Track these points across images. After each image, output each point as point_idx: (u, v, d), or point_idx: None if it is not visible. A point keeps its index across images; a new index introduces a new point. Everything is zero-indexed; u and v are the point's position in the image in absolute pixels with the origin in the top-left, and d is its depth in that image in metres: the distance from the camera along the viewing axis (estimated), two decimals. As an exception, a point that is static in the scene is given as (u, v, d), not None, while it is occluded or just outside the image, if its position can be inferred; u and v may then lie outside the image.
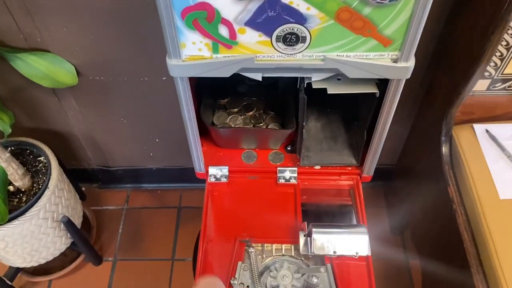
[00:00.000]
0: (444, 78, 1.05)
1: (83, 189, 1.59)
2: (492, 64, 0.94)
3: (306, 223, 0.70)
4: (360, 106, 0.75)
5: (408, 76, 0.59)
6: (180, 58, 0.58)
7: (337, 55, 0.56)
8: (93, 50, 1.09)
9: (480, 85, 0.99)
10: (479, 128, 1.06)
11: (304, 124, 0.71)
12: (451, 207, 1.00)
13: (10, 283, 1.30)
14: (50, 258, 1.28)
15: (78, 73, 1.13)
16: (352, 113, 0.81)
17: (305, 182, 0.80)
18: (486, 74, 0.98)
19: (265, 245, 0.73)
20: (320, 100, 0.71)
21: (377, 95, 0.65)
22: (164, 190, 1.61)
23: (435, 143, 1.09)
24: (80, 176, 1.55)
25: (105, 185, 1.61)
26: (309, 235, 0.68)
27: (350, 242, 0.65)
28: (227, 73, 0.58)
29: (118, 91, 1.20)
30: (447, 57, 1.03)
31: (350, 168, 0.81)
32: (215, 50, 0.57)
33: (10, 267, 1.29)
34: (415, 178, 1.25)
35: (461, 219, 0.98)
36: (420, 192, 1.21)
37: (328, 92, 0.63)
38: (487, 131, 1.05)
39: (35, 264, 1.27)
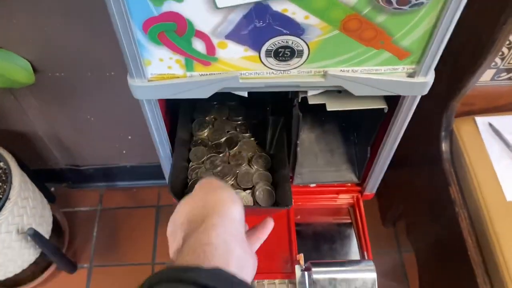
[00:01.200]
0: (445, 69, 0.96)
1: (52, 189, 1.47)
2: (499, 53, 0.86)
3: (302, 255, 0.61)
4: (363, 120, 0.64)
5: (426, 92, 0.49)
6: (145, 78, 0.47)
7: (341, 70, 0.45)
8: (50, 44, 0.96)
9: (484, 76, 0.91)
10: (481, 121, 0.98)
11: (297, 142, 0.60)
12: (453, 209, 0.93)
13: (-25, 299, 1.20)
14: (19, 271, 1.18)
15: (34, 69, 1.01)
16: (350, 123, 0.71)
17: (298, 202, 0.70)
18: (492, 64, 0.90)
19: (255, 281, 0.64)
20: (313, 107, 0.60)
21: (386, 111, 0.55)
22: (140, 188, 1.49)
23: (435, 137, 1.01)
24: (47, 177, 1.43)
25: (76, 185, 1.49)
26: (306, 270, 0.59)
27: (357, 284, 0.56)
28: (205, 94, 0.47)
29: (83, 87, 1.08)
30: (449, 46, 0.93)
31: (349, 185, 0.71)
32: (189, 67, 0.45)
33: (-26, 282, 1.18)
34: (410, 170, 1.17)
35: (464, 223, 0.91)
36: (415, 184, 1.14)
37: (328, 109, 0.52)
38: (490, 124, 0.97)
39: (2, 278, 1.16)
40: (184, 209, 0.42)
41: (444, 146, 0.99)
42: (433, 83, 1.01)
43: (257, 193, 0.66)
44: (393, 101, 0.54)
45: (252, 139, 0.75)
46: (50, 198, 1.39)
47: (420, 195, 1.13)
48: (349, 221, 0.72)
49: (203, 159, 0.74)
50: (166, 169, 0.65)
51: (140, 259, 1.36)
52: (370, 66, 0.45)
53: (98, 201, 1.47)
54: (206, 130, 0.78)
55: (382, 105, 0.54)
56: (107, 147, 1.32)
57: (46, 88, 1.08)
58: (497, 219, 0.86)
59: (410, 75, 0.47)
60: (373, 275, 0.56)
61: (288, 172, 0.59)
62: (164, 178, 1.46)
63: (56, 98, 1.12)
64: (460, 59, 0.88)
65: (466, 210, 0.92)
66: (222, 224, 0.38)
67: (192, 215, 0.41)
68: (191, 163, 0.76)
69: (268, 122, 0.66)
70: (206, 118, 0.80)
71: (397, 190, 1.28)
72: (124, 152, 1.35)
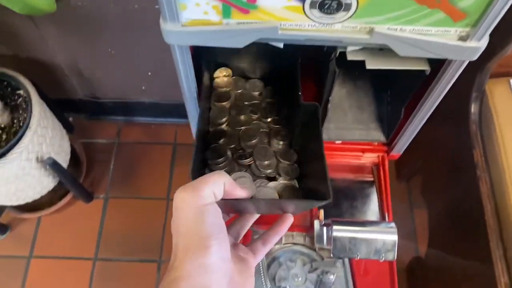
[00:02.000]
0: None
1: (71, 119, 1.48)
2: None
3: (322, 211, 0.61)
4: (400, 79, 0.61)
5: (476, 57, 0.46)
6: (179, 22, 0.44)
7: (388, 28, 0.41)
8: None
9: (527, 36, 0.86)
10: (517, 84, 0.94)
11: (329, 98, 0.58)
12: (474, 172, 0.91)
13: (-4, 219, 1.25)
14: (38, 196, 1.21)
15: (56, -3, 0.96)
16: (385, 81, 0.67)
17: (322, 158, 0.69)
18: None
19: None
20: (349, 62, 0.56)
21: (427, 73, 0.52)
22: (158, 125, 1.49)
23: (464, 98, 0.97)
24: (66, 106, 1.43)
25: (94, 117, 1.49)
26: (326, 226, 0.59)
27: (377, 245, 0.56)
28: (240, 43, 0.44)
29: (105, 19, 1.05)
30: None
31: (376, 144, 0.69)
32: (226, 14, 0.42)
33: (-4, 204, 1.22)
34: (434, 128, 1.14)
35: (485, 187, 0.90)
36: (437, 144, 1.12)
37: (367, 67, 0.49)
38: (526, 88, 0.93)
39: (22, 203, 1.20)
40: (173, 225, 0.38)
41: (473, 107, 0.95)
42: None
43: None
44: (436, 63, 0.50)
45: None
46: (69, 128, 1.40)
47: (441, 153, 1.11)
48: (372, 179, 0.71)
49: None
50: (191, 111, 0.63)
51: (155, 194, 1.39)
52: (420, 26, 0.42)
53: (116, 134, 1.48)
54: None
55: (425, 67, 0.51)
56: (126, 81, 1.30)
57: (67, 17, 1.05)
58: (519, 187, 0.84)
59: (462, 39, 0.43)
60: (394, 238, 0.56)
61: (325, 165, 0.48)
62: (182, 117, 1.46)
63: (77, 28, 1.09)
64: (504, 17, 0.83)
65: (488, 174, 0.91)
66: (188, 276, 0.35)
67: (175, 240, 0.38)
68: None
69: (298, 110, 0.55)
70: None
71: (418, 146, 1.26)
72: (143, 88, 1.33)
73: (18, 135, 1.03)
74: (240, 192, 0.42)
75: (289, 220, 0.47)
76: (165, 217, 1.36)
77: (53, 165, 1.12)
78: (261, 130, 0.63)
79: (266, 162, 0.58)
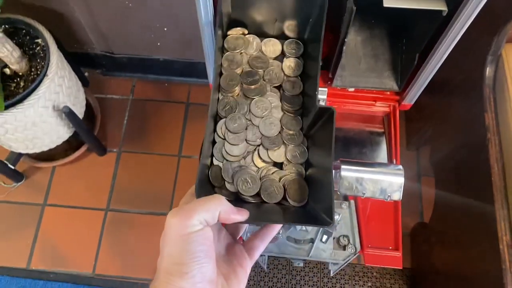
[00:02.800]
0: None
1: (86, 74, 1.50)
2: None
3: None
4: (418, 23, 0.61)
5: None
6: None
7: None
8: None
9: (548, -1, 0.85)
10: (534, 49, 0.93)
11: (345, 40, 0.58)
12: (485, 135, 0.92)
13: (13, 167, 1.28)
14: (53, 146, 1.24)
15: None
16: (401, 28, 0.67)
17: (334, 106, 0.70)
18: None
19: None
20: (363, 8, 0.56)
21: (444, 14, 0.52)
22: (172, 83, 1.51)
23: (479, 60, 0.97)
24: (82, 61, 1.45)
25: (109, 72, 1.51)
26: (335, 168, 0.61)
27: (383, 185, 0.57)
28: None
29: (123, -31, 1.05)
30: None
31: (388, 93, 0.70)
32: None
33: (12, 151, 1.25)
34: (447, 96, 1.14)
35: (494, 149, 0.90)
36: (450, 111, 1.12)
37: (385, 5, 0.50)
38: (542, 53, 0.92)
39: (38, 151, 1.23)
40: (162, 244, 0.39)
41: (488, 71, 0.95)
42: (488, 2, 0.96)
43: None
44: (453, 4, 0.51)
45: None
46: (84, 82, 1.42)
47: (453, 119, 1.12)
48: (382, 130, 0.72)
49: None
50: (210, 63, 0.64)
51: (167, 150, 1.41)
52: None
53: (130, 90, 1.50)
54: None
55: (443, 7, 0.51)
56: (142, 36, 1.31)
57: (86, -34, 1.05)
58: (528, 149, 0.85)
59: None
60: (401, 179, 0.58)
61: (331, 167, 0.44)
62: (196, 76, 1.47)
63: (96, -22, 1.10)
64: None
65: (498, 137, 0.91)
66: None
67: (159, 259, 0.39)
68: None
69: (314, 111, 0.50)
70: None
71: (430, 114, 1.26)
72: (158, 44, 1.34)
73: (36, 82, 1.06)
74: (237, 217, 0.41)
75: (277, 228, 0.47)
76: (176, 173, 1.39)
77: (69, 114, 1.14)
78: (273, 105, 0.55)
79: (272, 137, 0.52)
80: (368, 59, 0.68)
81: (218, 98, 0.55)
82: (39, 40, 1.13)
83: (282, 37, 0.59)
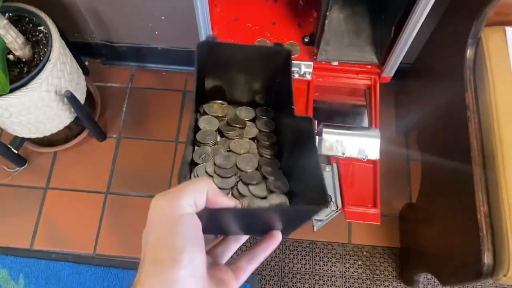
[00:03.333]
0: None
1: (86, 63, 1.54)
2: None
3: (316, 121, 0.67)
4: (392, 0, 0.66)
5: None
6: None
7: None
8: None
9: (523, -16, 0.91)
10: (511, 32, 0.99)
11: (326, 13, 0.63)
12: (465, 113, 0.97)
13: (16, 151, 1.33)
14: (55, 130, 1.29)
15: None
16: (380, 4, 0.72)
17: (319, 79, 0.75)
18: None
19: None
20: None
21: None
22: (169, 72, 1.56)
23: (460, 45, 1.03)
24: (83, 50, 1.50)
25: (109, 61, 1.56)
26: (318, 134, 0.66)
27: (361, 145, 0.62)
28: None
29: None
30: None
31: (369, 67, 0.75)
32: None
33: (16, 136, 1.30)
34: (431, 80, 1.20)
35: (473, 127, 0.96)
36: (435, 94, 1.17)
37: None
38: (519, 36, 0.98)
39: (40, 136, 1.28)
40: (144, 234, 0.35)
41: (469, 53, 1.00)
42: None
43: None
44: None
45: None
46: (85, 71, 1.47)
47: (437, 102, 1.17)
48: (364, 103, 0.77)
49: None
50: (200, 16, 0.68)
51: (165, 136, 1.46)
52: None
53: (129, 79, 1.55)
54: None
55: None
56: (141, 25, 1.36)
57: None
58: (504, 127, 0.90)
59: None
60: (378, 140, 0.63)
61: (322, 176, 0.43)
62: (192, 65, 1.52)
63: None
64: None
65: (477, 115, 0.96)
66: None
67: (143, 251, 0.34)
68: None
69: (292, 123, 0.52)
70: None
71: (417, 98, 1.32)
72: (156, 33, 1.39)
73: (39, 67, 1.10)
74: (225, 200, 0.37)
75: (278, 235, 0.42)
76: (174, 158, 1.44)
77: (71, 99, 1.19)
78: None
79: (249, 171, 0.53)
80: (350, 35, 0.73)
81: (194, 150, 0.56)
82: (42, 28, 1.18)
83: (253, 103, 0.62)
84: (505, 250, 0.82)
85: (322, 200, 0.40)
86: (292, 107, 0.51)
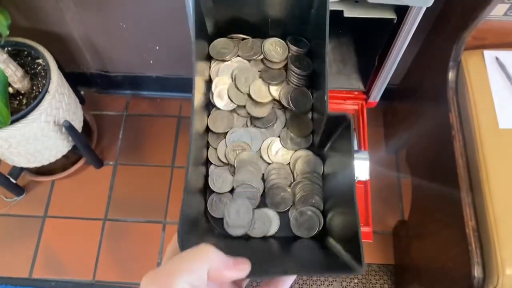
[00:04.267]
0: (460, 1, 1.01)
1: (82, 93, 1.58)
2: (512, -13, 0.90)
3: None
4: (374, 31, 0.71)
5: (430, 4, 0.57)
6: None
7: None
8: None
9: (497, 10, 0.96)
10: (489, 55, 1.04)
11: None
12: (450, 132, 1.02)
13: (14, 181, 1.35)
14: (53, 160, 1.31)
15: (74, -28, 1.07)
16: (363, 36, 0.78)
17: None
18: (506, -2, 0.94)
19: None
20: (332, 21, 0.66)
21: (395, 21, 0.62)
22: (164, 99, 1.60)
23: (442, 67, 1.08)
24: (78, 80, 1.53)
25: (104, 90, 1.60)
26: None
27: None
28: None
29: (118, -7, 1.15)
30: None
31: (356, 93, 0.79)
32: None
33: (14, 166, 1.32)
34: (417, 101, 1.25)
35: (458, 144, 1.00)
36: (421, 115, 1.22)
37: (345, 15, 0.60)
38: (497, 58, 1.03)
39: (39, 165, 1.30)
40: None
41: (451, 76, 1.06)
42: (448, 15, 1.07)
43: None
44: (402, 14, 0.61)
45: None
46: (81, 100, 1.50)
47: (423, 121, 1.22)
48: (353, 127, 0.81)
49: None
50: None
51: (161, 161, 1.49)
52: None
53: (124, 107, 1.59)
54: None
55: (392, 16, 0.62)
56: (135, 55, 1.40)
57: (84, -9, 1.15)
58: (487, 143, 0.94)
59: (417, -12, 0.54)
60: (367, 162, 0.67)
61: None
62: (187, 92, 1.56)
63: (93, 3, 1.19)
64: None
65: (462, 134, 1.01)
66: None
67: None
68: None
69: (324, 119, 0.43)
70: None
71: (404, 118, 1.37)
72: (151, 62, 1.43)
73: (38, 99, 1.14)
74: (232, 273, 0.32)
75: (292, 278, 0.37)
76: (170, 182, 1.47)
77: (69, 128, 1.22)
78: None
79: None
80: (338, 64, 0.78)
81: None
82: (40, 60, 1.22)
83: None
84: (494, 263, 0.86)
85: (354, 268, 0.34)
86: (325, 95, 0.43)
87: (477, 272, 0.88)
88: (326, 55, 0.45)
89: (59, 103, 1.20)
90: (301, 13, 0.51)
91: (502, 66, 1.01)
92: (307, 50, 0.53)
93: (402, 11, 0.59)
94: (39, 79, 1.20)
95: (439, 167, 1.09)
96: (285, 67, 0.52)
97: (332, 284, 1.33)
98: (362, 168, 0.66)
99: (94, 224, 1.40)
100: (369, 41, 0.76)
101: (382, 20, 0.61)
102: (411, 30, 0.62)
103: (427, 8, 1.04)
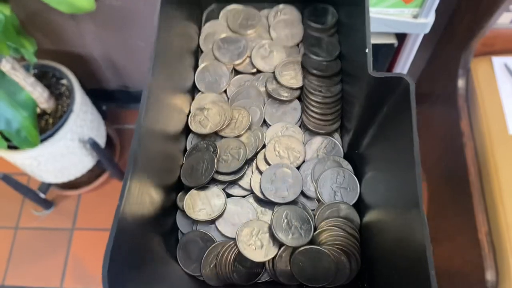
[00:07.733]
0: (468, 10, 1.03)
1: (104, 108, 1.64)
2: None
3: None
4: (377, 54, 0.74)
5: (427, 31, 0.59)
6: None
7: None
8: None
9: (503, 18, 0.98)
10: (497, 61, 1.05)
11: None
12: (461, 140, 1.03)
13: (43, 196, 1.42)
14: (79, 175, 1.38)
15: (95, -3, 1.12)
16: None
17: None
18: (511, 7, 0.96)
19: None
20: None
21: (395, 46, 0.65)
22: (182, 111, 1.65)
23: (452, 75, 1.10)
24: (100, 96, 1.59)
25: (125, 105, 1.66)
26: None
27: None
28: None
29: (136, 15, 1.20)
30: (472, -12, 1.00)
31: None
32: None
33: (43, 182, 1.39)
34: (429, 107, 1.27)
35: (469, 152, 1.02)
36: (431, 123, 1.24)
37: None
38: (505, 65, 1.04)
39: (66, 180, 1.37)
40: None
41: (460, 83, 1.08)
42: (455, 24, 1.09)
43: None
44: (402, 39, 0.64)
45: None
46: (103, 115, 1.57)
47: (435, 130, 1.24)
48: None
49: None
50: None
51: (180, 173, 1.54)
52: (381, 8, 0.55)
53: (144, 120, 1.64)
54: None
55: (393, 41, 0.65)
56: (154, 71, 1.45)
57: (104, 15, 1.20)
58: (498, 150, 0.96)
59: (415, 17, 0.57)
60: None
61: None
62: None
63: (111, 24, 1.24)
64: (481, 1, 0.95)
65: (473, 141, 1.03)
66: None
67: None
68: None
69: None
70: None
71: (418, 125, 1.38)
72: (168, 77, 1.48)
73: (64, 118, 1.20)
74: None
75: None
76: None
77: (93, 145, 1.28)
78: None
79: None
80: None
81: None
82: (64, 81, 1.28)
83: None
84: (506, 267, 0.88)
85: None
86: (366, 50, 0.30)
87: (490, 276, 0.90)
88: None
89: (83, 122, 1.26)
90: None
91: (511, 72, 1.02)
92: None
93: (401, 36, 0.62)
94: (64, 98, 1.26)
95: (451, 173, 1.11)
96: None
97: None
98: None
99: (119, 235, 1.46)
100: (374, 64, 0.78)
101: (384, 45, 0.64)
102: (411, 55, 0.65)
103: (435, 20, 1.07)
